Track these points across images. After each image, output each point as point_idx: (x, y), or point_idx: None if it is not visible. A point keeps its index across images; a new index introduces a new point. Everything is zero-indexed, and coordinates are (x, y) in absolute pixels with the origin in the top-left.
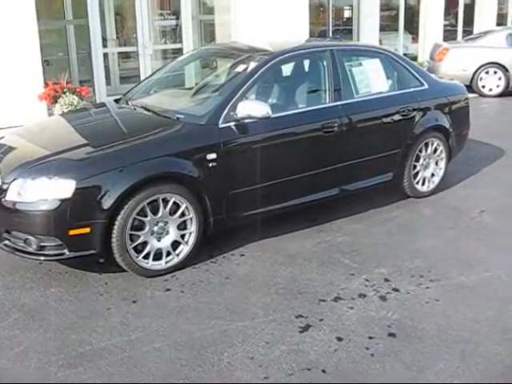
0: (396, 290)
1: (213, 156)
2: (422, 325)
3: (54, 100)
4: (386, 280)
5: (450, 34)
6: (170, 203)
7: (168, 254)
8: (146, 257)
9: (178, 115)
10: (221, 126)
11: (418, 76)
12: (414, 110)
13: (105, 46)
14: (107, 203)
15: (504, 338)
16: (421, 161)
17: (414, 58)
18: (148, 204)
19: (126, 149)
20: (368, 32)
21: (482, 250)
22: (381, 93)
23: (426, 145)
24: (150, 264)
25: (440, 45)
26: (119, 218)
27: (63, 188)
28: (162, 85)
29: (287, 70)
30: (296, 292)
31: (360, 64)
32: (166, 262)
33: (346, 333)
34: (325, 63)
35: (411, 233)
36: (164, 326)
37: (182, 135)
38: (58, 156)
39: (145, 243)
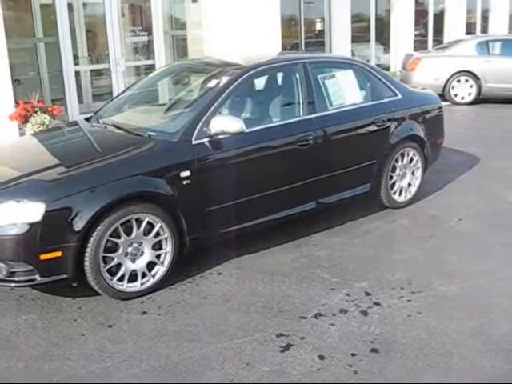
0: (377, 303)
1: (186, 173)
2: (405, 339)
3: (25, 120)
4: (367, 294)
5: (420, 44)
6: (144, 223)
7: (143, 275)
8: (121, 279)
9: (149, 133)
10: (194, 142)
11: (391, 86)
12: (389, 120)
13: (76, 63)
14: (79, 225)
15: (488, 349)
16: (397, 171)
17: (387, 69)
18: (121, 225)
19: (97, 169)
20: (340, 44)
21: (461, 258)
22: (355, 104)
23: (402, 155)
24: (125, 286)
25: (411, 55)
26: (92, 240)
27: (32, 211)
28: (134, 102)
29: (260, 83)
30: (276, 310)
31: (333, 76)
32: (142, 284)
33: (328, 351)
34: (298, 76)
35: (390, 244)
36: (141, 350)
37: (154, 153)
38: (28, 178)
39: (119, 265)
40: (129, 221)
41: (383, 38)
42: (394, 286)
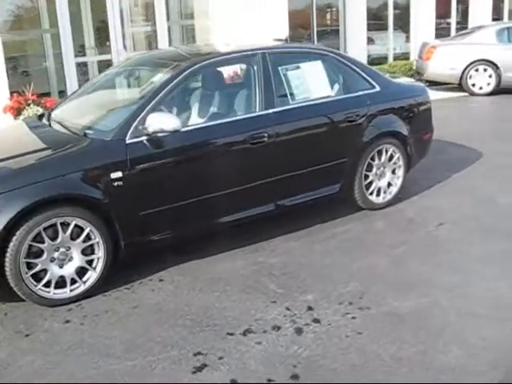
0: (317, 320)
1: (118, 175)
2: (335, 364)
3: (18, 112)
4: (310, 308)
5: (444, 31)
6: (71, 227)
7: (73, 281)
8: (47, 285)
9: (86, 131)
10: (128, 141)
11: (367, 78)
12: (363, 115)
13: (83, 54)
14: None
15: (422, 381)
16: (374, 170)
17: (407, 58)
18: (46, 229)
19: (19, 169)
20: (356, 32)
21: (429, 269)
22: (322, 98)
23: (380, 152)
24: (52, 293)
25: (427, 43)
26: (11, 245)
27: None
28: (83, 99)
29: (209, 77)
30: (205, 324)
31: (297, 67)
32: (71, 290)
33: (243, 373)
34: (255, 68)
35: (355, 250)
36: (48, 365)
37: (83, 152)
38: None
39: (44, 271)
40: (55, 224)
41: (403, 25)
42: (343, 299)
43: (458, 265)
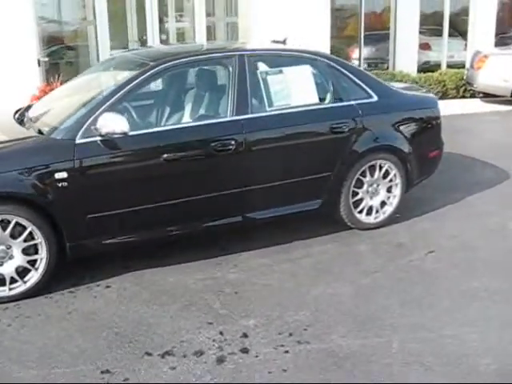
0: (245, 350)
1: (62, 175)
2: None
3: None
4: (244, 335)
5: (506, 40)
6: (11, 225)
7: (14, 280)
8: None
9: (43, 128)
10: (78, 141)
11: (363, 86)
12: (353, 126)
13: (125, 47)
14: None
15: None
16: (365, 187)
17: (462, 66)
18: None
19: None
20: (406, 37)
21: (393, 305)
22: (305, 106)
23: (373, 168)
24: None
25: (480, 51)
26: None
27: None
28: (59, 97)
29: (177, 79)
30: (128, 340)
31: (280, 72)
32: (11, 289)
33: None
34: (229, 71)
35: (322, 275)
36: None
37: (27, 150)
38: None
39: None
40: None
41: (463, 32)
42: (284, 329)
43: (429, 303)
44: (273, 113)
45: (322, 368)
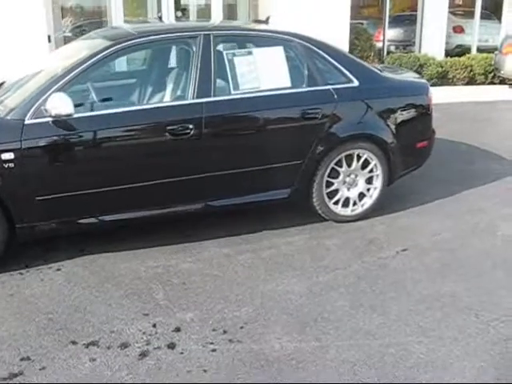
0: (172, 345)
1: (9, 156)
2: None
3: None
4: (177, 330)
5: None
6: None
7: None
8: None
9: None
10: (27, 122)
11: (343, 70)
12: (327, 112)
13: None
14: None
15: None
16: (340, 177)
17: (494, 50)
18: None
19: None
20: (433, 19)
21: (343, 307)
22: (274, 89)
23: (350, 157)
24: None
25: (510, 36)
26: None
27: None
28: (26, 77)
29: (135, 60)
30: (58, 327)
31: (249, 53)
32: None
33: None
34: (193, 50)
35: (279, 269)
36: None
37: None
38: None
39: None
40: None
41: (496, 13)
42: (220, 326)
43: (384, 307)
44: (238, 96)
45: (245, 371)
